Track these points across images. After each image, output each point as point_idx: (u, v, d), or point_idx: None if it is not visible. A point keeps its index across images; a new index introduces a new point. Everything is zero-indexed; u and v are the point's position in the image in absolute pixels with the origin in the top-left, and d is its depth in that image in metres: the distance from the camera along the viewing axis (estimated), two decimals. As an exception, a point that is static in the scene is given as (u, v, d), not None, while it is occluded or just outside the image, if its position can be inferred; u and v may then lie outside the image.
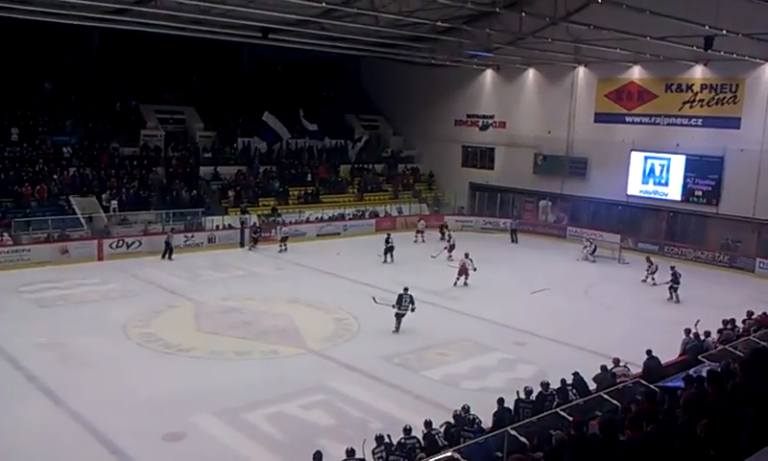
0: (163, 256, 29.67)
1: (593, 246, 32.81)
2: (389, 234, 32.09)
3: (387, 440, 11.58)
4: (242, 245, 33.11)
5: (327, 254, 31.71)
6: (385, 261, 30.55)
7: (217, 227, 33.70)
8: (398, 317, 20.75)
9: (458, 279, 26.79)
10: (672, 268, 26.36)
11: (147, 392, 15.87)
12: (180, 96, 40.46)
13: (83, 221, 30.83)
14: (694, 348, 16.50)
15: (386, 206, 40.54)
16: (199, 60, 41.57)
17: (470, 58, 38.51)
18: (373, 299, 21.73)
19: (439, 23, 28.58)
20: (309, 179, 40.12)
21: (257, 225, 34.09)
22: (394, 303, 20.99)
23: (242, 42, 35.71)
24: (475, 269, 26.80)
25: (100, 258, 29.24)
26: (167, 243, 29.93)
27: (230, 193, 36.23)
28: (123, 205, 32.43)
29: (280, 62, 44.22)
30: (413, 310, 20.83)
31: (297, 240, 34.16)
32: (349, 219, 38.06)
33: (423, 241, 35.28)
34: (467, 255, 27.17)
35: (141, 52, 38.72)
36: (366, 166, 43.32)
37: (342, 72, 48.00)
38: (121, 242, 30.11)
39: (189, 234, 32.31)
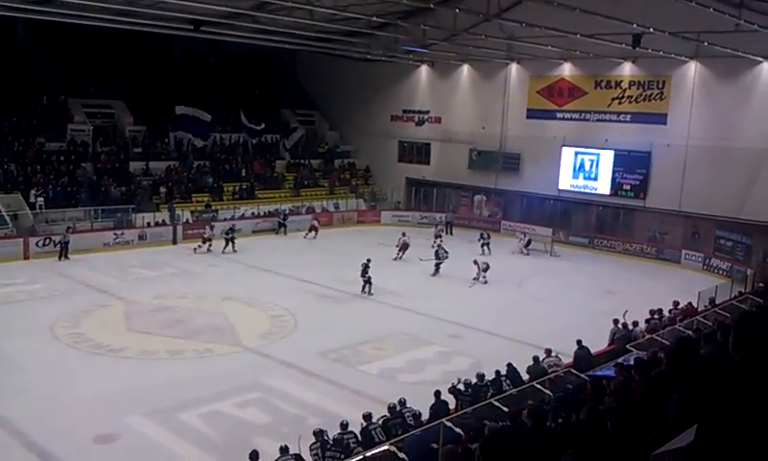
0: (60, 257, 28.22)
1: (527, 239, 33.46)
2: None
3: (324, 436, 11.55)
4: (174, 242, 32.43)
5: (263, 250, 31.43)
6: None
7: (148, 224, 32.92)
8: (437, 266, 26.25)
9: (398, 254, 29.61)
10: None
11: (77, 394, 15.45)
12: (109, 90, 39.34)
13: (7, 219, 29.67)
14: (622, 337, 17.03)
15: (323, 201, 40.38)
16: (129, 52, 40.50)
17: (406, 53, 38.70)
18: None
19: (374, 18, 28.61)
20: (244, 174, 39.61)
21: (212, 225, 32.35)
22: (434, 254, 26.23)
23: (173, 35, 34.94)
24: (421, 259, 28.24)
25: (26, 257, 28.25)
26: (62, 243, 28.43)
27: (162, 189, 35.45)
28: (50, 202, 31.32)
29: (213, 55, 43.50)
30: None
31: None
32: (285, 215, 37.71)
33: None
34: (403, 234, 30.25)
35: (68, 45, 37.48)
36: (302, 161, 43.06)
37: (277, 66, 47.54)
38: (48, 240, 29.08)
39: (119, 232, 31.48)
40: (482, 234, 32.93)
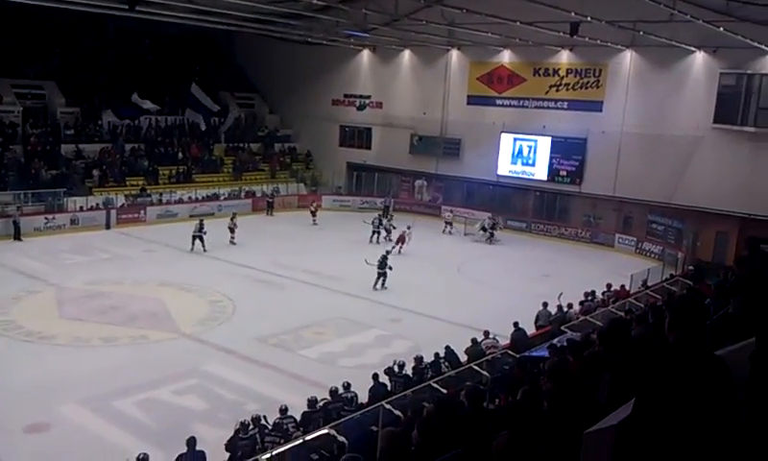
0: (15, 238, 27.97)
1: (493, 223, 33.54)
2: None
3: (262, 421, 11.48)
4: (108, 227, 31.58)
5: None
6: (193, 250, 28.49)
7: (81, 208, 31.92)
8: (379, 276, 23.70)
9: (397, 246, 28.70)
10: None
11: (6, 382, 14.97)
12: (41, 70, 37.85)
13: (-70, 203, 28.43)
14: (558, 319, 17.42)
15: (263, 185, 39.91)
16: (61, 32, 39.00)
17: (347, 37, 38.43)
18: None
19: (315, 1, 28.33)
20: (180, 157, 38.78)
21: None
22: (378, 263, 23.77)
23: (108, 14, 33.84)
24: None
25: (-50, 243, 27.14)
26: (15, 223, 28.22)
27: (95, 172, 34.42)
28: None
29: (149, 36, 42.33)
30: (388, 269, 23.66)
31: (168, 221, 33.09)
32: (224, 199, 37.17)
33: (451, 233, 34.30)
34: (408, 228, 29.69)
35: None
36: (241, 145, 42.41)
37: (215, 47, 46.58)
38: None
39: (50, 216, 30.49)
40: (488, 221, 33.38)
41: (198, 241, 28.01)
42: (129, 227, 31.70)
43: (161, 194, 35.52)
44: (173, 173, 37.30)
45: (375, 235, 31.50)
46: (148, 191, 34.93)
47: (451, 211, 35.81)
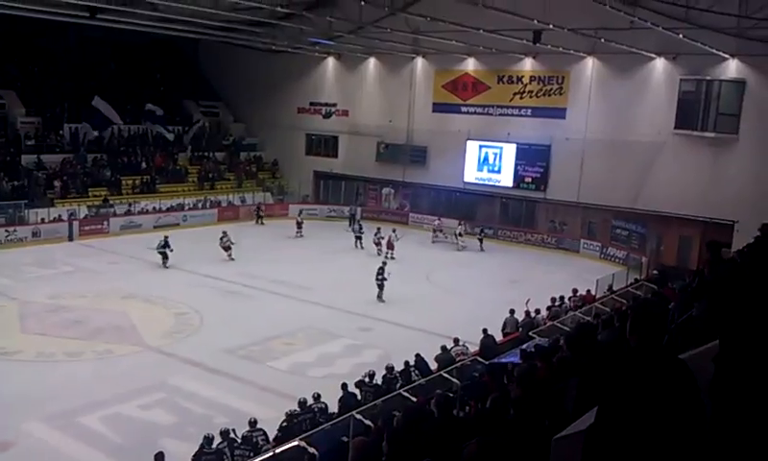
0: None
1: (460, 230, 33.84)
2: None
3: (231, 434, 11.40)
4: (70, 239, 31.11)
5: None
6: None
7: (42, 220, 31.39)
8: (381, 287, 23.53)
9: (388, 252, 29.54)
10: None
11: (-33, 401, 14.61)
12: (-2, 79, 37.22)
13: None
14: (526, 325, 17.60)
15: (228, 195, 39.65)
16: (20, 40, 38.34)
17: (312, 45, 38.45)
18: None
19: (278, 9, 28.29)
20: (144, 167, 38.35)
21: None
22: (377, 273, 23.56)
23: (68, 22, 33.37)
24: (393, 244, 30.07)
25: None
26: None
27: (57, 183, 33.88)
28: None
29: (111, 44, 41.83)
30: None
31: (132, 232, 32.71)
32: (189, 209, 36.83)
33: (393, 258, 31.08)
34: (393, 231, 30.56)
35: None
36: (206, 154, 42.09)
37: (179, 55, 46.23)
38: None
39: (11, 229, 29.94)
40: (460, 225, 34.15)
41: (162, 256, 27.08)
42: (92, 238, 31.22)
43: (131, 204, 35.06)
44: (136, 183, 36.86)
45: (359, 241, 32.21)
46: (111, 202, 34.46)
47: (440, 219, 35.46)
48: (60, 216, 32.13)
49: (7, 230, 29.73)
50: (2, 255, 27.62)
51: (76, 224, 31.84)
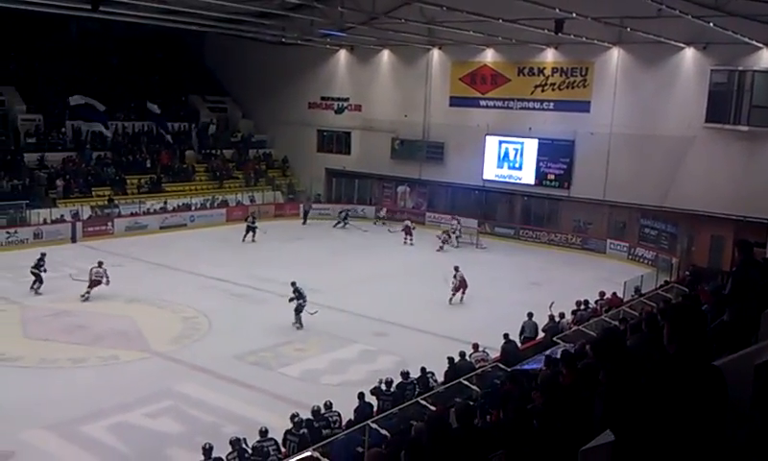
0: None
1: (459, 229, 33.85)
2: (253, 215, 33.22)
3: (241, 444, 11.44)
4: (74, 240, 31.35)
5: (172, 247, 30.78)
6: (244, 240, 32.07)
7: (44, 220, 31.69)
8: (299, 311, 20.96)
9: (407, 239, 32.80)
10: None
11: (-33, 409, 14.76)
12: (-3, 74, 37.61)
13: None
14: (550, 329, 17.54)
15: (237, 194, 39.80)
16: (19, 34, 38.69)
17: (323, 37, 38.50)
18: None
19: (288, -1, 28.36)
20: (149, 166, 38.59)
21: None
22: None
23: (69, 15, 33.64)
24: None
25: None
26: None
27: (59, 182, 34.16)
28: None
29: (114, 38, 42.13)
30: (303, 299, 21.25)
31: (138, 233, 32.92)
32: (197, 209, 37.02)
33: (412, 244, 33.71)
34: (409, 223, 33.93)
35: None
36: (214, 152, 42.27)
37: (184, 49, 46.50)
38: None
39: (12, 230, 30.24)
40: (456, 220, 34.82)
41: (35, 278, 23.92)
42: (96, 240, 31.45)
43: (140, 204, 35.38)
44: (142, 182, 37.10)
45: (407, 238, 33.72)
46: (116, 202, 34.70)
47: (458, 220, 35.01)
48: (62, 217, 32.41)
49: (8, 232, 30.04)
50: (2, 258, 27.90)
51: (79, 225, 32.10)
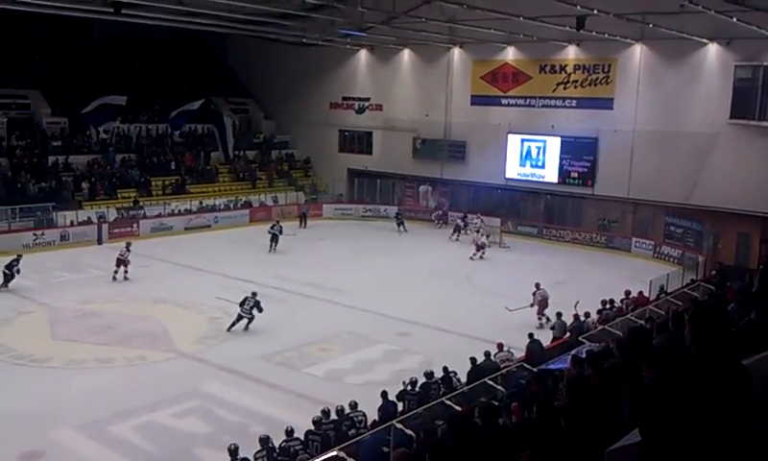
0: None
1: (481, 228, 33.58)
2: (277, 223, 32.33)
3: (269, 443, 11.56)
4: (99, 242, 31.75)
5: (197, 248, 31.06)
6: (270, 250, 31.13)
7: (71, 223, 32.11)
8: (239, 318, 20.36)
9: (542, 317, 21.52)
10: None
11: (-2, 409, 15.03)
12: (23, 78, 38.12)
13: None
14: (575, 329, 17.50)
15: (260, 195, 40.04)
16: (44, 38, 39.25)
17: (343, 37, 38.62)
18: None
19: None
20: (173, 167, 38.96)
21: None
22: (239, 302, 20.58)
23: (93, 19, 34.05)
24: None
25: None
26: None
27: (84, 185, 34.60)
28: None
29: (137, 40, 42.57)
30: (259, 311, 20.38)
31: (163, 234, 33.27)
32: (221, 210, 37.30)
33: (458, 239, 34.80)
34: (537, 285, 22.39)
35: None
36: (237, 153, 42.55)
37: (206, 51, 46.86)
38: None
39: (39, 232, 30.63)
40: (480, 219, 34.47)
41: (4, 277, 24.23)
42: (122, 241, 31.69)
43: (165, 205, 35.77)
44: (166, 184, 37.46)
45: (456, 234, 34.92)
46: (141, 204, 35.08)
47: (481, 220, 34.45)
48: (88, 219, 32.82)
49: (35, 234, 30.42)
50: (30, 259, 28.19)
51: (105, 227, 32.48)
